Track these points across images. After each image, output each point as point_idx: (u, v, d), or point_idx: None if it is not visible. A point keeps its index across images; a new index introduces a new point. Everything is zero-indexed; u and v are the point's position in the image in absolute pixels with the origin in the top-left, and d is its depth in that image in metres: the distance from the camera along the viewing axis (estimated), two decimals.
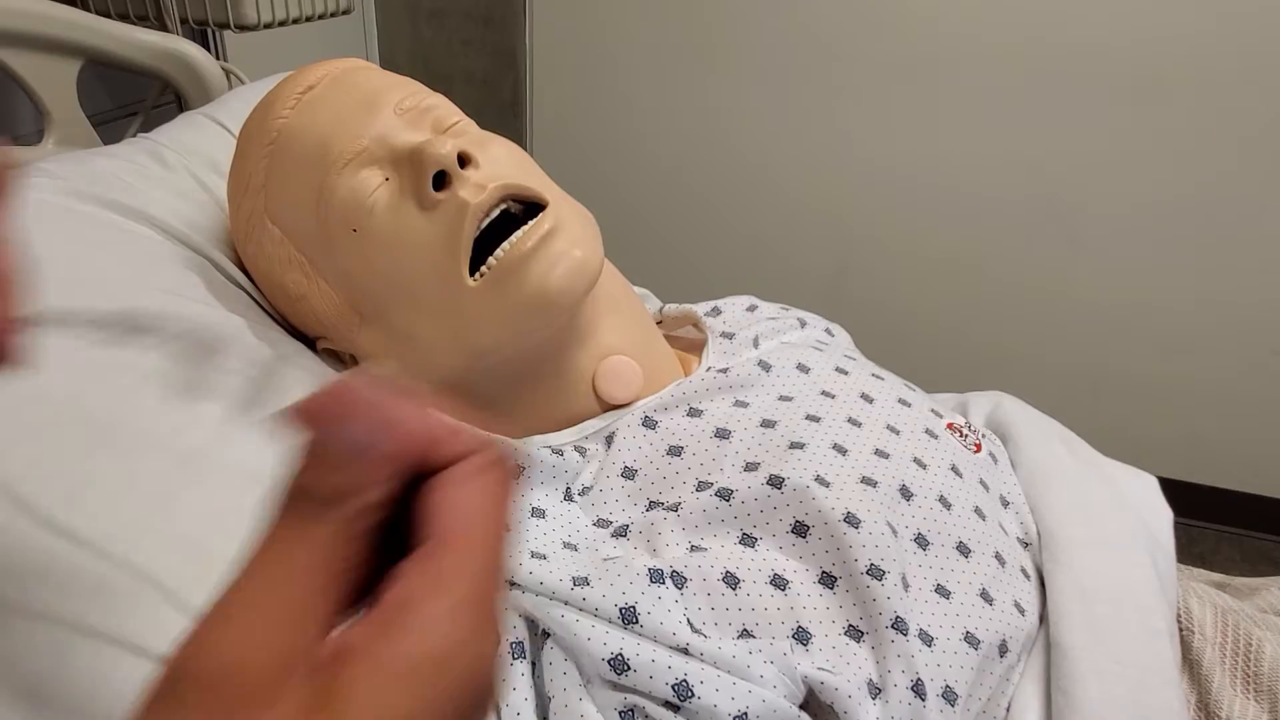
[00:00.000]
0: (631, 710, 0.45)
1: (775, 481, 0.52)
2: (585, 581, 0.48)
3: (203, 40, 1.20)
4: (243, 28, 1.02)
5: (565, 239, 0.56)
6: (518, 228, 0.56)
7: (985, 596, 0.53)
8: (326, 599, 0.20)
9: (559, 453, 0.58)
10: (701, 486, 0.55)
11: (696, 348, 0.71)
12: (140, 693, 0.19)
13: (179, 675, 0.18)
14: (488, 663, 0.20)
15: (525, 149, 0.66)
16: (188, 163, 0.78)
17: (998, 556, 0.56)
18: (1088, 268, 1.64)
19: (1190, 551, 1.72)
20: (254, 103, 0.65)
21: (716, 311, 0.75)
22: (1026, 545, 0.60)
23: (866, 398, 0.63)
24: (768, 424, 0.58)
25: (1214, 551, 1.76)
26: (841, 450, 0.56)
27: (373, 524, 0.21)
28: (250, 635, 0.19)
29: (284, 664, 0.18)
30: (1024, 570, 0.58)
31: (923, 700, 0.47)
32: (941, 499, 0.56)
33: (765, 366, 0.64)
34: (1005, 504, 0.62)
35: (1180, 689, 0.53)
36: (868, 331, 0.96)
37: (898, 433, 0.60)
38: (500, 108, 1.85)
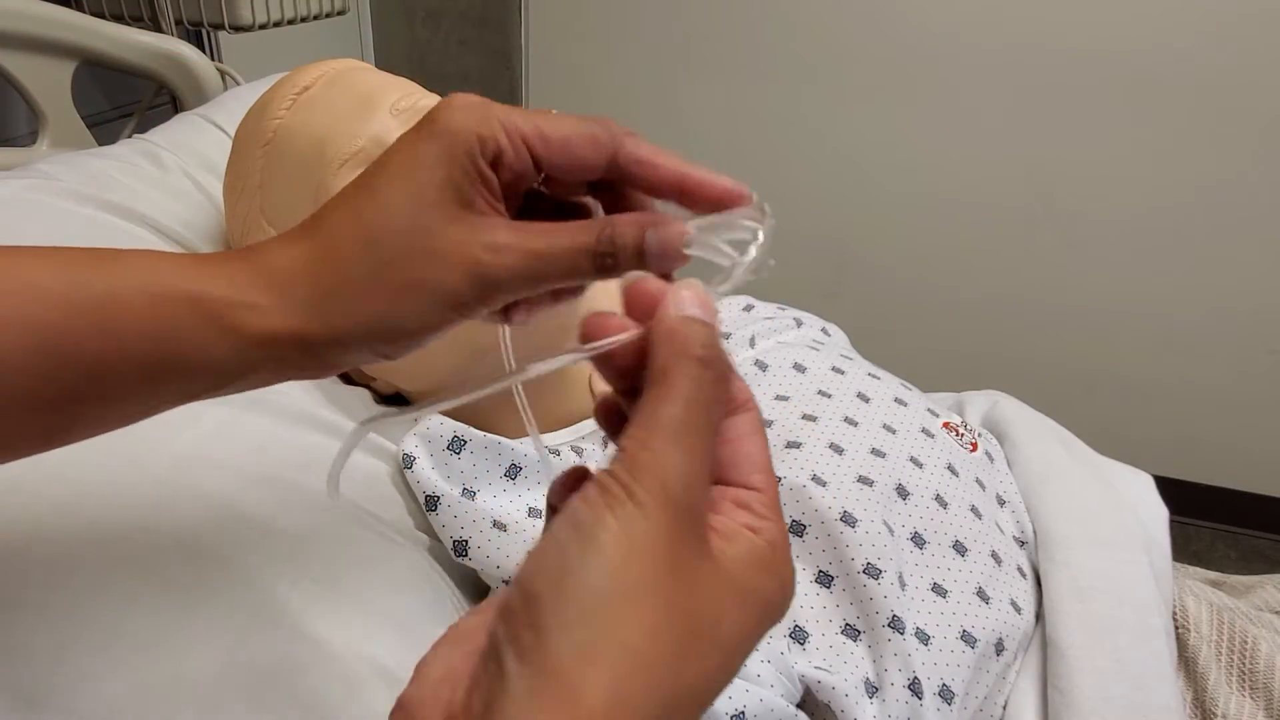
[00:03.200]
0: None
1: None
2: None
3: (197, 41, 1.20)
4: (238, 28, 1.02)
5: None
6: None
7: (982, 595, 0.53)
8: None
9: (556, 453, 0.58)
10: None
11: None
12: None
13: None
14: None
15: None
16: (183, 163, 0.77)
17: (994, 555, 0.56)
18: (1084, 268, 1.64)
19: (1186, 549, 1.72)
20: (249, 103, 0.65)
21: None
22: (1023, 544, 0.60)
23: (863, 397, 0.63)
24: (764, 423, 0.58)
25: (1210, 549, 1.76)
26: (838, 450, 0.56)
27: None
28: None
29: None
30: (1020, 569, 0.58)
31: (919, 699, 0.47)
32: (938, 498, 0.56)
33: (762, 366, 0.64)
34: (1001, 503, 0.62)
35: (1176, 687, 0.53)
36: (864, 331, 0.96)
37: (894, 432, 0.60)
38: None
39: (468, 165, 0.29)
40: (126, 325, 0.28)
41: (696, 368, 0.25)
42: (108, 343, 0.28)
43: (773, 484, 0.26)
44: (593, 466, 0.28)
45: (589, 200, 0.34)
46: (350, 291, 0.29)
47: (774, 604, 0.24)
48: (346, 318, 0.29)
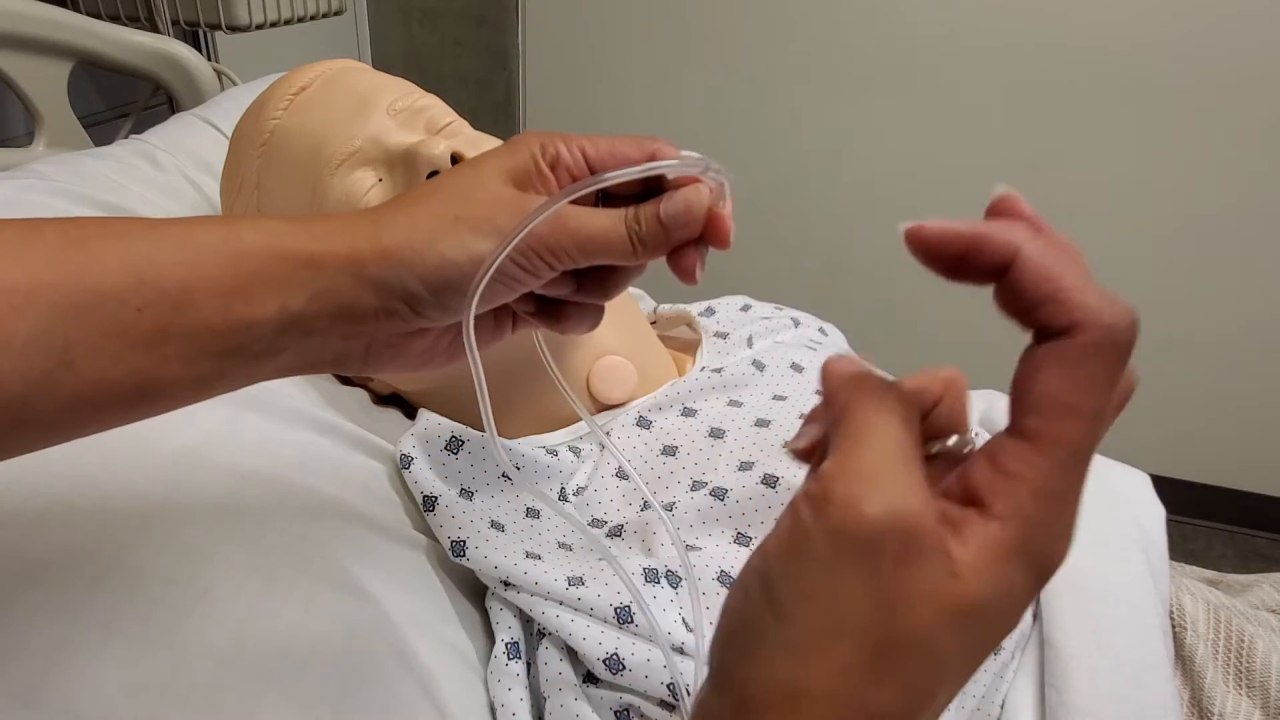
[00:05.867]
0: (626, 710, 0.45)
1: (770, 480, 0.53)
2: (580, 581, 0.48)
3: (194, 41, 1.19)
4: (234, 29, 1.01)
5: None
6: None
7: None
8: None
9: (553, 453, 0.58)
10: (696, 486, 0.55)
11: (691, 348, 0.71)
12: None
13: None
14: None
15: None
16: (180, 163, 0.77)
17: None
18: None
19: (1183, 548, 1.72)
20: (246, 104, 0.65)
21: (710, 311, 0.75)
22: None
23: None
24: (762, 423, 0.58)
25: (1206, 548, 1.76)
26: None
27: None
28: None
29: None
30: None
31: None
32: None
33: (759, 366, 0.64)
34: None
35: (1173, 686, 0.53)
36: (861, 331, 0.96)
37: None
38: (493, 108, 1.85)
39: (529, 162, 0.35)
40: (203, 255, 0.31)
41: (891, 418, 0.26)
42: (189, 272, 0.31)
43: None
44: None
45: None
46: (404, 220, 0.34)
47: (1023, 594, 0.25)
48: (396, 239, 0.33)
